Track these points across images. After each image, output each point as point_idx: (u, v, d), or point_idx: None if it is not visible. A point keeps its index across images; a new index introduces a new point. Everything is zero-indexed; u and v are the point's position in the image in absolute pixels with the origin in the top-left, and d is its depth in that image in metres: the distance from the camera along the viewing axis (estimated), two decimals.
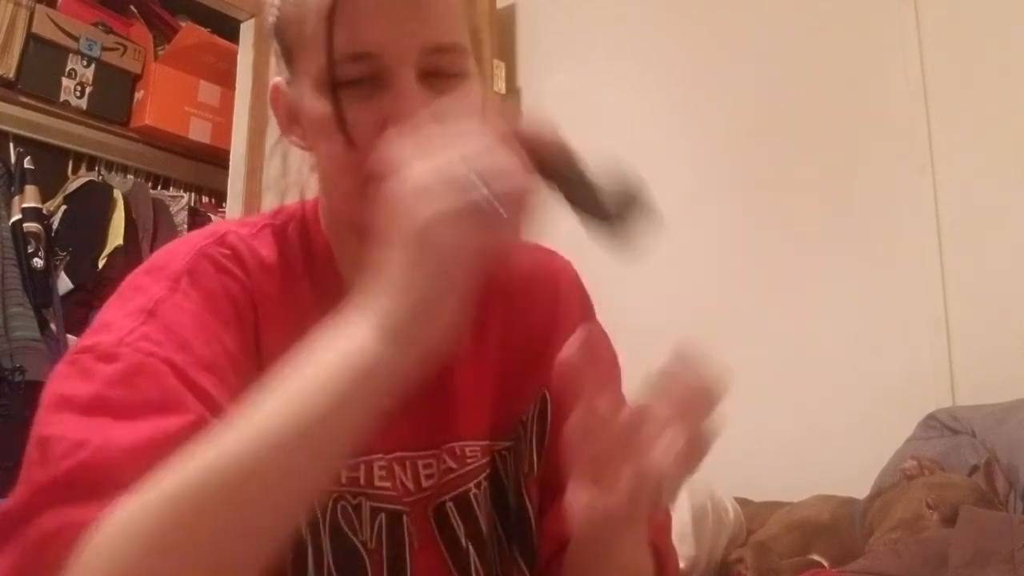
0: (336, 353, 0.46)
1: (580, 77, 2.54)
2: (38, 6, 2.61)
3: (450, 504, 0.69)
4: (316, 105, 0.60)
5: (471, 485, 0.70)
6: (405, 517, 0.66)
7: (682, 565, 1.49)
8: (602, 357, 0.71)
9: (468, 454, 0.70)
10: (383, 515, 0.65)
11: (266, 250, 0.67)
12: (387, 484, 0.66)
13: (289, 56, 0.64)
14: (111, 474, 0.46)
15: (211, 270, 0.62)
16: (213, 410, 0.53)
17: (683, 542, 1.53)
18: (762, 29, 2.21)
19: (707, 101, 2.29)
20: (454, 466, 0.69)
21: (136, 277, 0.63)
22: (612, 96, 2.46)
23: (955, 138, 1.92)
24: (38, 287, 2.35)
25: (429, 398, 0.67)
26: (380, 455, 0.66)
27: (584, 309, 0.77)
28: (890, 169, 1.99)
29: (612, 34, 2.54)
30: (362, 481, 0.65)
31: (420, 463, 0.68)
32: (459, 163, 0.45)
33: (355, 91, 0.59)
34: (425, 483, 0.68)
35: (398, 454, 0.67)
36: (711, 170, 2.26)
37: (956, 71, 1.94)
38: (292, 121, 0.66)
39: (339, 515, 0.63)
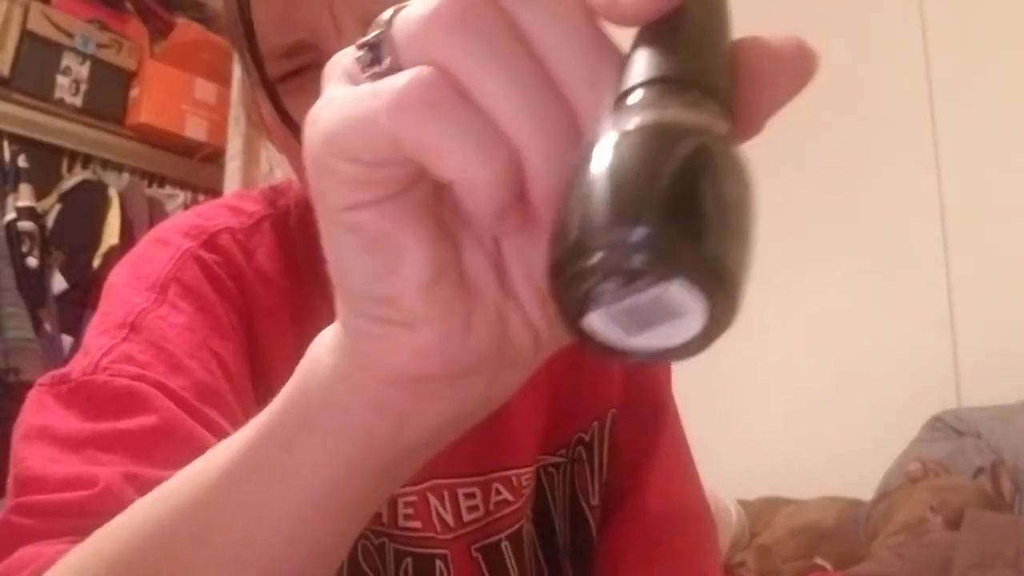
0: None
1: None
2: (33, 3, 2.59)
3: (505, 543, 0.59)
4: (264, 103, 0.51)
5: (523, 520, 0.61)
6: (438, 562, 0.56)
7: None
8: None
9: (524, 483, 0.60)
10: (410, 560, 0.56)
11: (264, 252, 0.57)
12: (415, 524, 0.56)
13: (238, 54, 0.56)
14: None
15: (201, 276, 0.53)
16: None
17: None
18: (767, 26, 2.19)
19: None
20: (510, 498, 0.60)
21: (112, 287, 0.53)
22: None
23: (960, 136, 1.91)
24: (32, 287, 2.33)
25: None
26: (408, 487, 0.56)
27: None
28: (895, 167, 1.97)
29: (616, 31, 2.52)
30: (385, 519, 0.55)
31: (461, 492, 0.58)
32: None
33: (297, 81, 0.50)
34: (468, 516, 0.58)
35: (433, 482, 0.57)
36: None
37: (961, 69, 1.93)
38: (260, 120, 0.58)
39: (359, 555, 0.54)
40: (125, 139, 2.79)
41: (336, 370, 0.27)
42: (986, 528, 1.39)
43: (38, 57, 2.58)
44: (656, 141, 0.20)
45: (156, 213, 2.75)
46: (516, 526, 0.60)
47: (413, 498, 0.56)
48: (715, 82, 0.23)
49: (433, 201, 0.24)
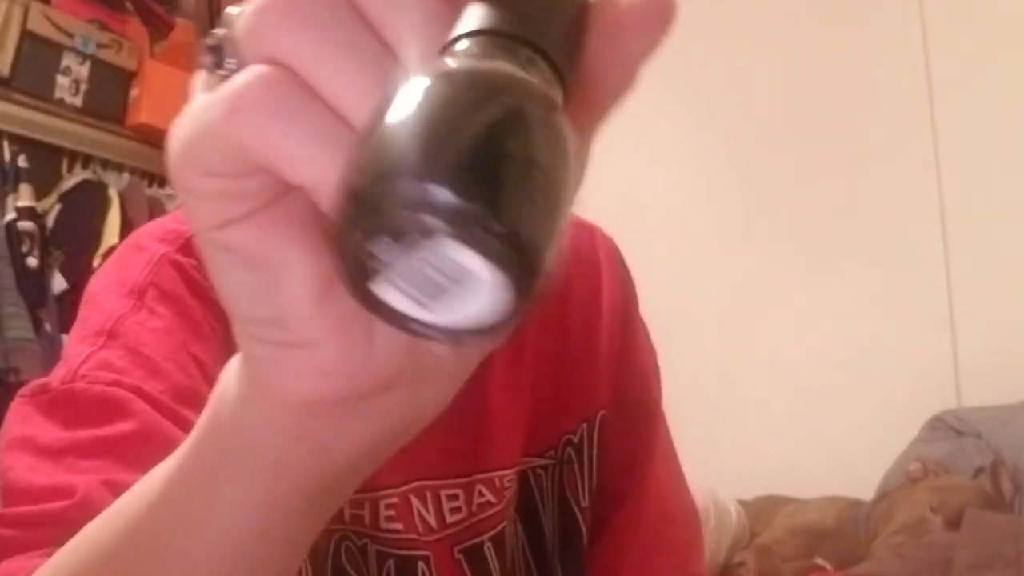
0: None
1: None
2: (33, 3, 2.59)
3: (488, 545, 0.59)
4: None
5: (506, 521, 0.60)
6: (421, 564, 0.56)
7: None
8: (640, 361, 0.67)
9: (506, 484, 0.60)
10: (392, 561, 0.55)
11: None
12: (398, 526, 0.55)
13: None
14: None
15: (178, 280, 0.52)
16: None
17: None
18: (767, 27, 2.19)
19: (712, 99, 2.27)
20: (493, 500, 0.59)
21: (91, 294, 0.54)
22: None
23: (960, 136, 1.91)
24: (32, 287, 2.33)
25: (458, 417, 0.55)
26: (390, 489, 0.55)
27: (627, 299, 0.67)
28: (895, 167, 1.97)
29: None
30: (366, 521, 0.55)
31: (444, 493, 0.57)
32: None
33: None
34: (451, 518, 0.58)
35: (416, 483, 0.56)
36: (715, 168, 2.24)
37: (961, 69, 1.93)
38: None
39: (343, 557, 0.54)
40: (125, 139, 2.79)
41: (243, 399, 0.25)
42: (986, 528, 1.39)
43: (38, 57, 2.58)
44: (465, 90, 0.18)
45: (156, 213, 2.75)
46: (499, 528, 0.60)
47: (395, 500, 0.56)
48: (548, 41, 0.21)
49: (315, 207, 0.22)
